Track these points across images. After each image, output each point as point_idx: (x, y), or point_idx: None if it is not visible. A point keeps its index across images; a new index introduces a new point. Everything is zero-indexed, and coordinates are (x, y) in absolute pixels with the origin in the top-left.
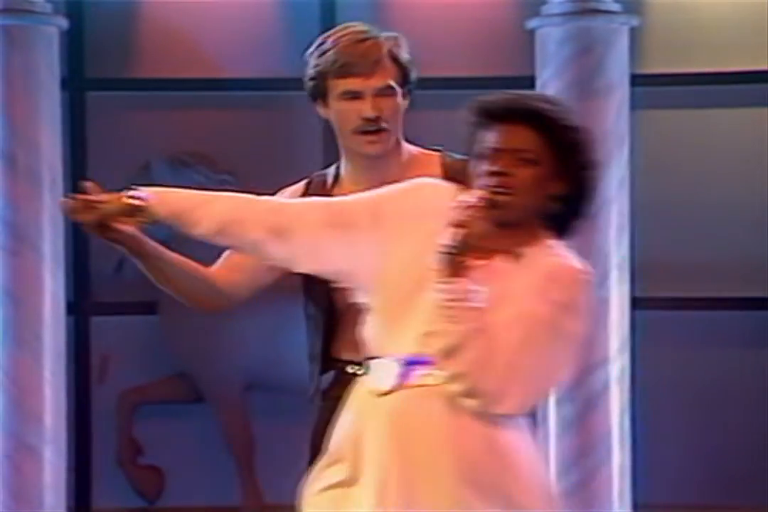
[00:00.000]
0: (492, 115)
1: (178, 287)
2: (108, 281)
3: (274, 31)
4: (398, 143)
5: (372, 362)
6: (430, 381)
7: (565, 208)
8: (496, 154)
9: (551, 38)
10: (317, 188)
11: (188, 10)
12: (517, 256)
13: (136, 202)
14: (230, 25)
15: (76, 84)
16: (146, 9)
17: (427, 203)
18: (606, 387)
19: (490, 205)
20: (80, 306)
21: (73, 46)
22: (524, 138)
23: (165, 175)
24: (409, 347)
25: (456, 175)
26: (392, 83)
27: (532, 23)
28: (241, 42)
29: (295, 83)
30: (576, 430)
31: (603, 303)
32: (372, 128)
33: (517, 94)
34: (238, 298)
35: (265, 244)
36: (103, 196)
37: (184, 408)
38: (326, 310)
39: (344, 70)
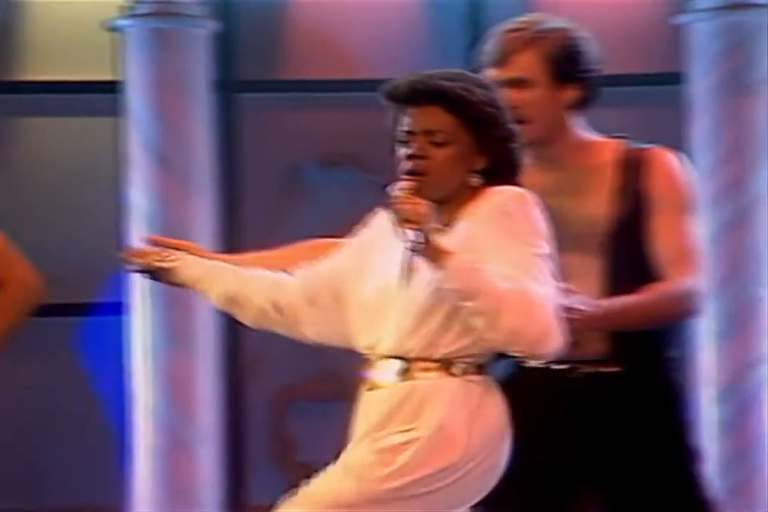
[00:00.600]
0: (400, 99)
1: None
2: None
3: (420, 32)
4: (560, 131)
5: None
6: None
7: (493, 176)
8: (409, 137)
9: (700, 34)
10: None
11: (336, 11)
12: (464, 216)
13: (164, 265)
14: (377, 26)
15: (227, 86)
16: (296, 11)
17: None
18: (761, 388)
19: (414, 190)
20: None
21: (224, 48)
22: (434, 119)
23: (315, 175)
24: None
25: (630, 161)
26: (524, 75)
27: (680, 19)
28: (388, 43)
29: None
30: (733, 432)
31: (758, 304)
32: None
33: (422, 75)
34: None
35: (267, 315)
36: (141, 252)
37: (337, 405)
38: None
39: (483, 60)
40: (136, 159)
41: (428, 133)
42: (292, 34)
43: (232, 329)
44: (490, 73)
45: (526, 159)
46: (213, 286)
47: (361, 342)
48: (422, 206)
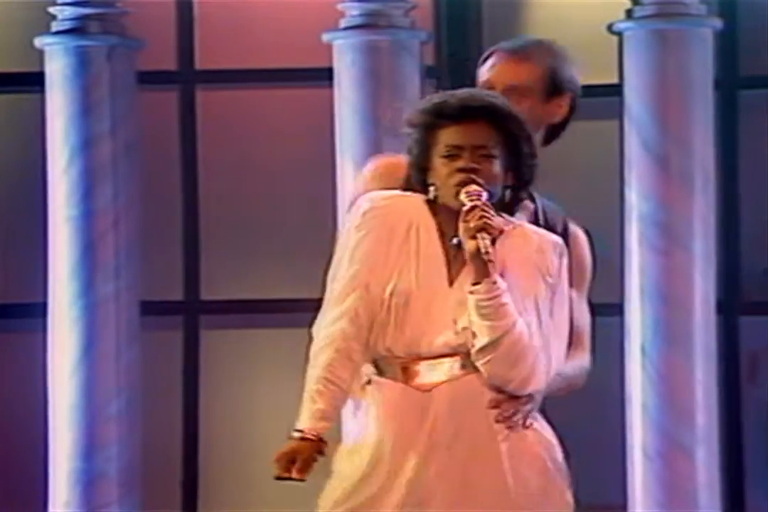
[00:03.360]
0: (448, 115)
1: None
2: (758, 280)
3: None
4: None
5: (416, 362)
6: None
7: (512, 196)
8: (459, 151)
9: (638, 43)
10: None
11: None
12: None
13: (313, 439)
14: None
15: (729, 84)
16: None
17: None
18: None
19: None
20: (730, 306)
21: (727, 45)
22: (483, 134)
23: None
24: (440, 344)
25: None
26: (525, 84)
27: (617, 28)
28: None
29: None
30: None
31: None
32: None
33: (468, 93)
34: None
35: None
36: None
37: None
38: None
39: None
40: (635, 160)
41: (478, 147)
42: None
43: (729, 329)
44: (492, 78)
45: None
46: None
47: (404, 343)
48: (496, 218)
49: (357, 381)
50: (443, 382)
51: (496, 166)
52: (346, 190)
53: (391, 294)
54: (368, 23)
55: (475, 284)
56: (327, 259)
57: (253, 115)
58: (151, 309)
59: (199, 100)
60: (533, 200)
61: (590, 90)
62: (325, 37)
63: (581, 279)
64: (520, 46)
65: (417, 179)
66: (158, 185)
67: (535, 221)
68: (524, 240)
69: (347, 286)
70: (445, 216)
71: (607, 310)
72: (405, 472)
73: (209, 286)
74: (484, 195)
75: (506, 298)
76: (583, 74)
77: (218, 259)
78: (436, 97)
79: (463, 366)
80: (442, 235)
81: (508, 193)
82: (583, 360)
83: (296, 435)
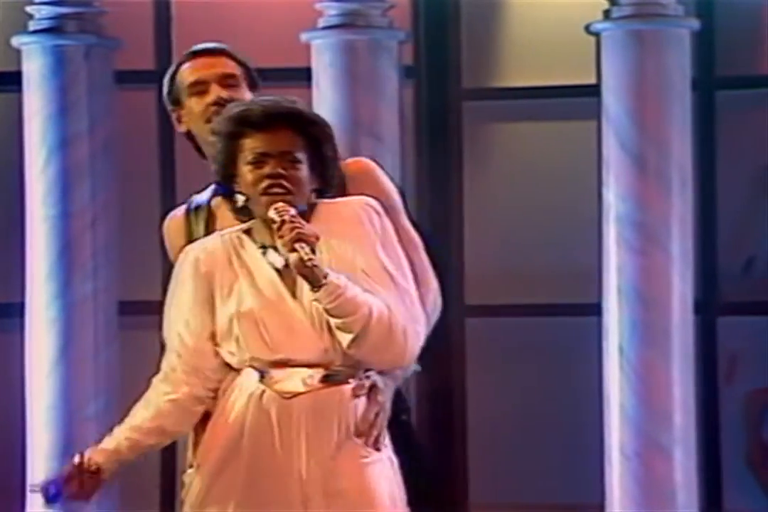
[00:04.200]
0: (252, 123)
1: None
2: (736, 280)
3: None
4: None
5: (277, 369)
6: (330, 381)
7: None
8: (266, 158)
9: (615, 44)
10: None
11: None
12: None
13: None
14: None
15: (706, 83)
16: None
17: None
18: None
19: (291, 209)
20: (707, 306)
21: (704, 46)
22: (289, 140)
23: None
24: (301, 353)
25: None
26: None
27: (594, 28)
28: None
29: None
30: None
31: None
32: None
33: (269, 100)
34: None
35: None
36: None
37: None
38: None
39: None
40: (613, 160)
41: (284, 153)
42: None
43: (707, 329)
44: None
45: None
46: (132, 448)
47: (263, 355)
48: (308, 226)
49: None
50: (303, 393)
51: (303, 171)
52: None
53: (238, 317)
54: (346, 23)
55: (315, 292)
56: None
57: None
58: (129, 309)
59: None
60: None
61: (568, 90)
62: (304, 36)
63: (390, 204)
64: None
65: (224, 188)
66: (136, 185)
67: None
68: (336, 216)
69: (168, 344)
70: (261, 230)
71: (585, 310)
72: (263, 476)
73: None
74: (291, 210)
75: (350, 291)
76: (560, 74)
77: None
78: (239, 105)
79: (325, 378)
80: (264, 249)
81: (313, 195)
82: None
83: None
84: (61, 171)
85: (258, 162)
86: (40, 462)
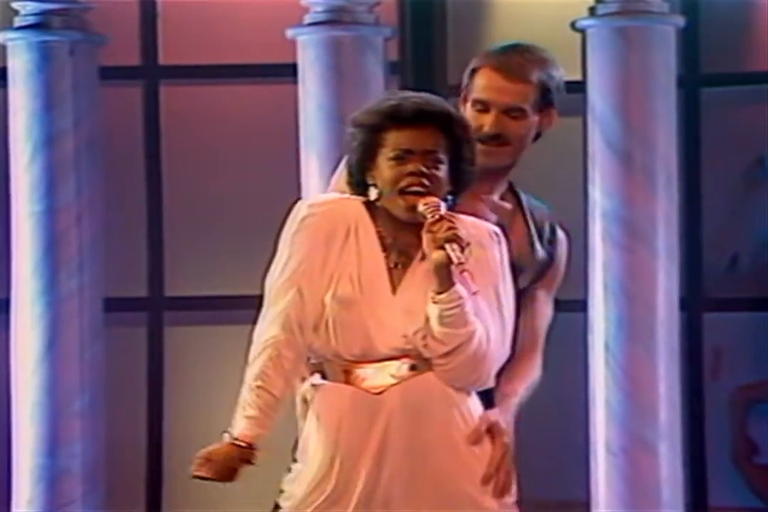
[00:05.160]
0: (401, 118)
1: None
2: (721, 277)
3: None
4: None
5: (362, 365)
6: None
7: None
8: (409, 155)
9: (601, 40)
10: None
11: None
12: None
13: (241, 445)
14: None
15: (692, 80)
16: (760, 3)
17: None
18: None
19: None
20: (693, 302)
21: (689, 43)
22: (433, 139)
23: None
24: (388, 347)
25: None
26: (523, 105)
27: (580, 25)
28: None
29: None
30: None
31: None
32: None
33: (422, 97)
34: None
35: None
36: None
37: None
38: None
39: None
40: (598, 157)
41: (429, 152)
42: (758, 26)
43: (692, 325)
44: (488, 99)
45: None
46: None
47: (350, 347)
48: (461, 229)
49: (295, 389)
50: (393, 385)
51: (443, 171)
52: (310, 186)
53: (333, 300)
54: (332, 19)
55: (439, 293)
56: None
57: (216, 110)
58: (114, 305)
59: (163, 96)
60: (519, 201)
61: None
62: (289, 32)
63: (553, 281)
64: (511, 61)
65: (356, 180)
66: (122, 181)
67: (525, 223)
68: (467, 232)
69: (280, 292)
70: (384, 219)
71: (570, 306)
72: (359, 478)
73: (173, 282)
74: (442, 205)
75: (468, 305)
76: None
77: (182, 255)
78: (390, 99)
79: (412, 368)
80: (382, 240)
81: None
82: (534, 370)
83: (226, 437)
84: (46, 167)
85: (400, 158)
86: (26, 458)
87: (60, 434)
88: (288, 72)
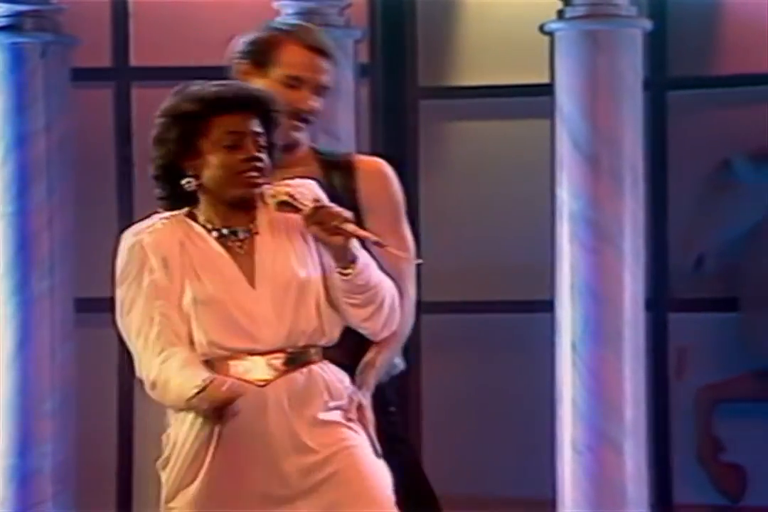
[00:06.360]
0: (224, 106)
1: None
2: (687, 277)
3: None
4: None
5: (241, 359)
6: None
7: None
8: (240, 139)
9: (568, 43)
10: None
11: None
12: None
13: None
14: None
15: (659, 83)
16: (727, 6)
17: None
18: None
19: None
20: (658, 303)
21: (657, 46)
22: (253, 123)
23: (745, 171)
24: (265, 342)
25: (337, 165)
26: (331, 84)
27: (548, 28)
28: None
29: None
30: None
31: None
32: None
33: (235, 84)
34: None
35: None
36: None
37: (764, 406)
38: None
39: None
40: (566, 159)
41: (256, 136)
42: (725, 30)
43: (658, 325)
44: (305, 76)
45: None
46: None
47: (226, 343)
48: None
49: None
50: (275, 378)
51: (266, 155)
52: None
53: (194, 302)
54: (303, 21)
55: (345, 268)
56: None
57: None
58: (86, 306)
59: (134, 97)
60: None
61: (522, 89)
62: None
63: (385, 210)
64: (324, 41)
65: (169, 171)
66: (93, 182)
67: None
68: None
69: (144, 322)
70: (210, 211)
71: (538, 307)
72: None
73: None
74: (299, 191)
75: (372, 266)
76: (514, 73)
77: None
78: (202, 88)
79: (289, 362)
80: (220, 236)
81: None
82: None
83: (205, 383)
84: (17, 168)
85: (232, 144)
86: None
87: (31, 434)
88: None
